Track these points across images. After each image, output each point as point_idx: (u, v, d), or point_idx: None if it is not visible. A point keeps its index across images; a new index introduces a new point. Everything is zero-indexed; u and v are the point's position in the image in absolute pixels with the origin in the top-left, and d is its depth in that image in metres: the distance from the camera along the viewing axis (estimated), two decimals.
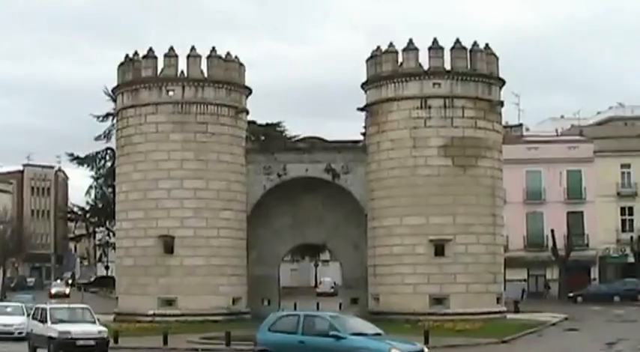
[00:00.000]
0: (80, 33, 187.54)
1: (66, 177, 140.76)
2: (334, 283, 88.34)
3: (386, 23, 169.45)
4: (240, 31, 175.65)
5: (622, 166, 77.69)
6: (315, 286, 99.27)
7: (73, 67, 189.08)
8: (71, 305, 34.26)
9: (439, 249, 47.51)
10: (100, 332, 30.23)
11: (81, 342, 29.50)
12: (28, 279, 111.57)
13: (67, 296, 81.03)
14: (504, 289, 51.88)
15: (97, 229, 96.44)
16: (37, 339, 31.43)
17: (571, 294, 69.96)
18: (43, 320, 30.92)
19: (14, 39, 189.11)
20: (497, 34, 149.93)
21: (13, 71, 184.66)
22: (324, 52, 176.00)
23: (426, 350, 25.29)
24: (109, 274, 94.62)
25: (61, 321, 30.53)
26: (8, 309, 42.49)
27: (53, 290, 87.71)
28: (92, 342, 29.69)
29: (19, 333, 38.10)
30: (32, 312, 33.63)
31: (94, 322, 31.31)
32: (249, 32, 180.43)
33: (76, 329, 29.91)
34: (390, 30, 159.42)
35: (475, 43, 49.64)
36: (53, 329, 29.88)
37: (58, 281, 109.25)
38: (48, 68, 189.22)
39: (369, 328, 25.75)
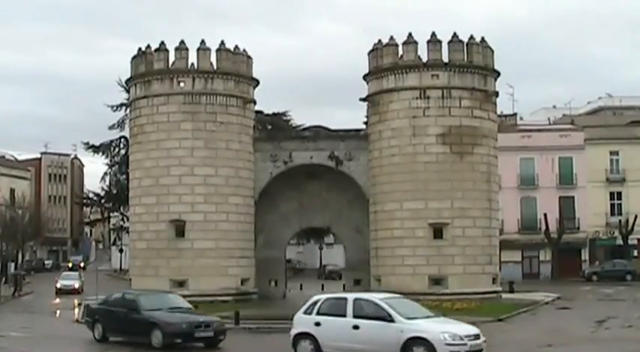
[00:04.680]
0: (84, 25, 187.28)
1: (82, 165, 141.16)
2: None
3: (380, 14, 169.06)
4: (238, 23, 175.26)
5: (611, 153, 77.76)
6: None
7: (84, 58, 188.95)
8: None
9: (438, 232, 47.46)
10: None
11: None
12: (46, 262, 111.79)
13: (77, 292, 60.57)
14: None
15: (111, 214, 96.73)
16: None
17: (587, 272, 71.40)
18: None
19: (22, 30, 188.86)
20: (490, 26, 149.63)
21: (24, 62, 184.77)
22: (324, 43, 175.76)
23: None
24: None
25: None
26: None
27: (59, 284, 62.96)
28: None
29: None
30: None
31: None
32: (248, 25, 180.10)
33: None
34: (385, 21, 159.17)
35: (471, 37, 49.49)
36: None
37: (70, 264, 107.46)
38: (59, 59, 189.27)
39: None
